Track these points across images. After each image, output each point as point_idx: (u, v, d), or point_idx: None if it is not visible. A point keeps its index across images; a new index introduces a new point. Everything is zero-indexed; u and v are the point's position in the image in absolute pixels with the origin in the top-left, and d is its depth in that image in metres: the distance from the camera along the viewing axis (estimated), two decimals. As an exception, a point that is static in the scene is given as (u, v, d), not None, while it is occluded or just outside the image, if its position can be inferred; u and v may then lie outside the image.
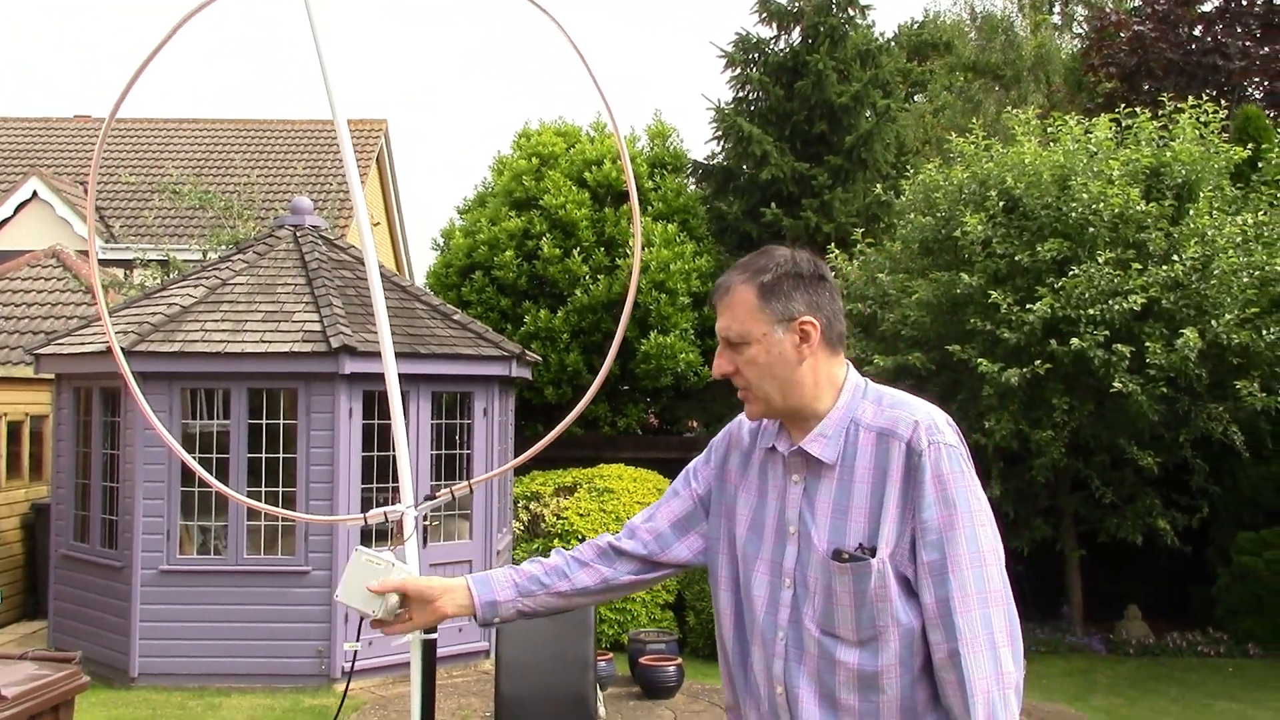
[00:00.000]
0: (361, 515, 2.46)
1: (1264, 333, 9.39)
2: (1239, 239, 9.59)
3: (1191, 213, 9.68)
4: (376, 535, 9.18)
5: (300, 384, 8.81)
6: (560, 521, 10.83)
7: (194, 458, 8.79)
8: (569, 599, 2.44)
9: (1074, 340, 9.11)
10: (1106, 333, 9.12)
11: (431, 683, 2.43)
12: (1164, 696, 9.09)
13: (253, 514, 8.86)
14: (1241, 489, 11.39)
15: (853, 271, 10.84)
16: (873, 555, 2.15)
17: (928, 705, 2.17)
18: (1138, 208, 9.53)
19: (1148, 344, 9.15)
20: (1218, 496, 10.95)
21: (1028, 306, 9.29)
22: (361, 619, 2.38)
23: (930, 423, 2.22)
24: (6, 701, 3.29)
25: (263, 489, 8.82)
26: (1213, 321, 9.25)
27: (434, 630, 2.44)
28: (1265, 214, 10.05)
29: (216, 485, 2.69)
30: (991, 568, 2.16)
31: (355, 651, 2.51)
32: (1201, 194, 9.96)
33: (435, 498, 2.47)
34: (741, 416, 2.45)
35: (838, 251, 11.45)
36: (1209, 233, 9.49)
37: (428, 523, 9.29)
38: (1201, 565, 11.76)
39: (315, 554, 8.76)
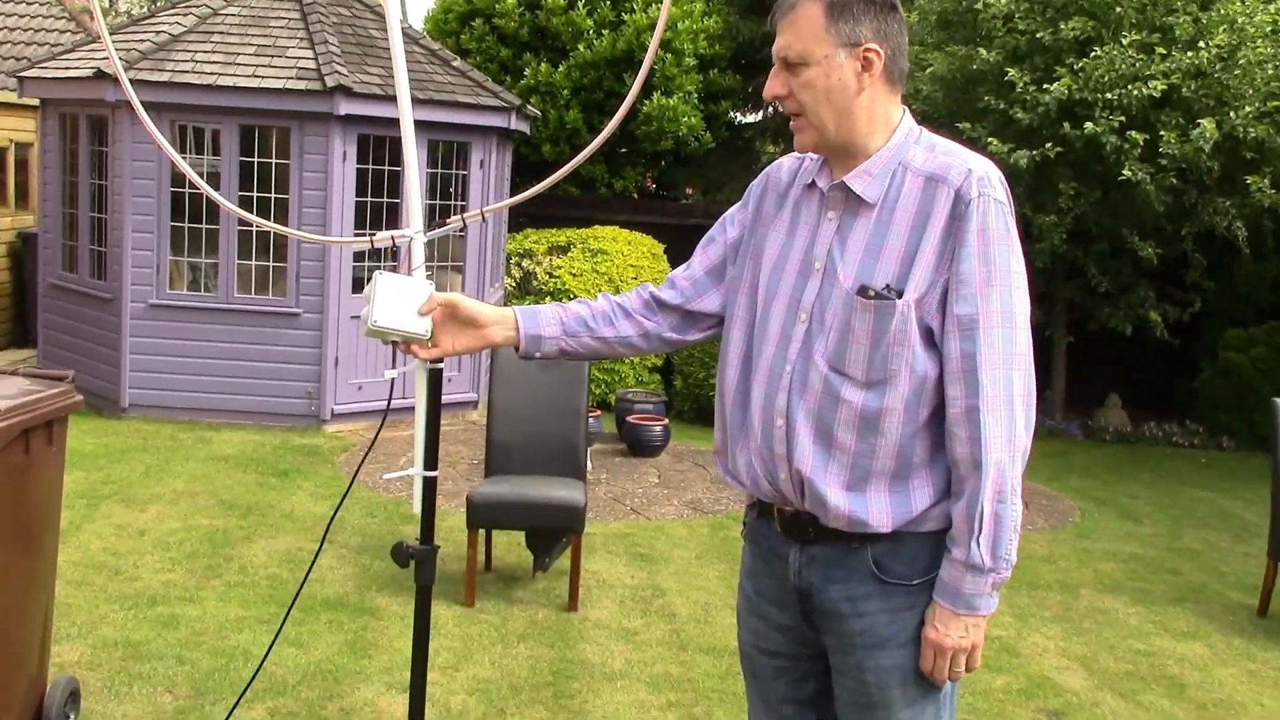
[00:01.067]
0: (369, 235, 2.36)
1: (1283, 128, 9.18)
2: (1269, 29, 9.25)
3: (1223, -2, 9.32)
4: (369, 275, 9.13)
5: (293, 123, 8.57)
6: (552, 280, 10.77)
7: (184, 194, 8.63)
8: (611, 346, 2.40)
9: (1088, 124, 8.89)
10: (1122, 118, 8.90)
11: (437, 412, 2.38)
12: (1137, 481, 9.28)
13: (243, 253, 8.75)
14: (1237, 286, 11.39)
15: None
16: (899, 297, 2.08)
17: (924, 459, 2.14)
18: (1168, -11, 9.16)
19: (1162, 133, 8.94)
20: (1211, 292, 10.95)
21: (1044, 86, 9.02)
22: (394, 345, 2.30)
23: (984, 174, 2.12)
24: (-1, 413, 3.25)
25: (254, 230, 8.69)
26: (1231, 113, 9.02)
27: (441, 361, 2.37)
28: (1299, 4, 9.68)
29: (209, 192, 2.57)
30: (1020, 331, 2.10)
31: (393, 381, 2.43)
32: (1235, -21, 9.56)
33: (446, 224, 2.37)
34: (781, 159, 2.36)
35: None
36: (1239, 20, 9.15)
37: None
38: (1187, 359, 11.86)
39: (306, 296, 8.71)
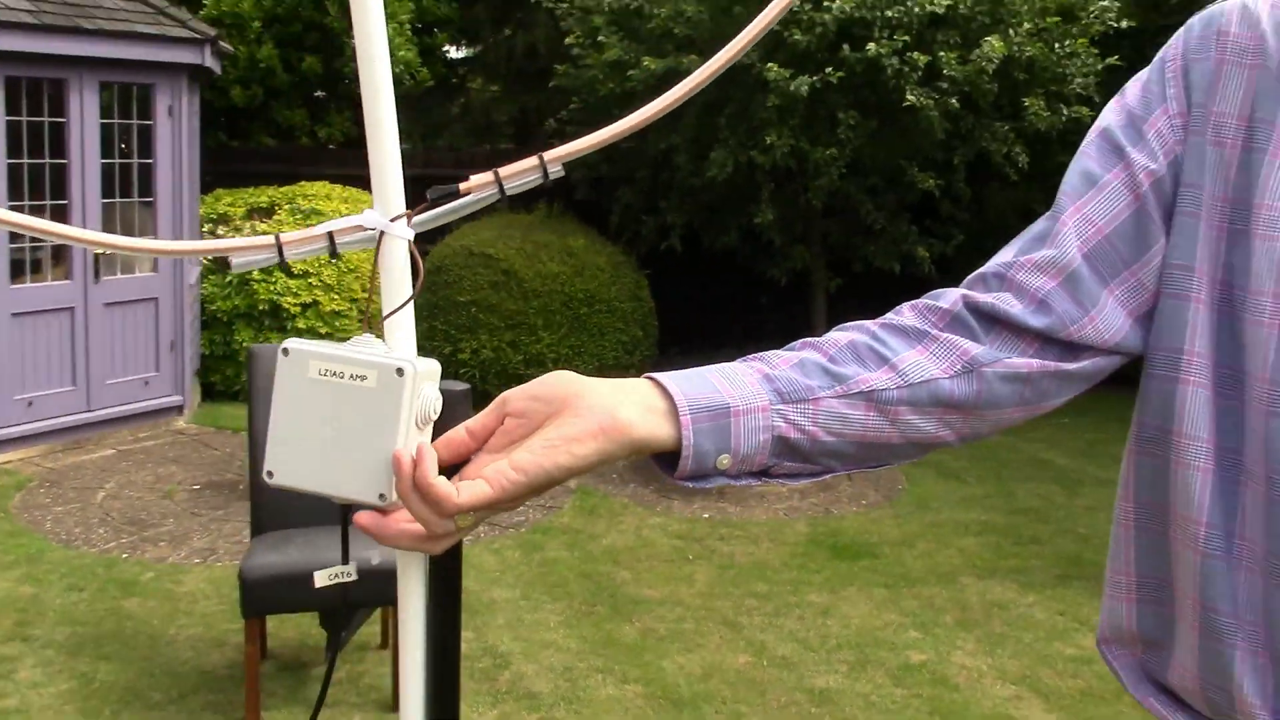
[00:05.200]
0: (258, 237, 0.95)
1: (1056, 46, 8.69)
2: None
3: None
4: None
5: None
6: (260, 250, 9.03)
7: None
8: (885, 412, 1.00)
9: (870, 46, 8.05)
10: (906, 38, 8.11)
11: (455, 645, 1.03)
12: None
13: None
14: (989, 216, 11.03)
15: (614, -41, 9.19)
16: None
17: None
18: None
19: (941, 54, 8.24)
20: (966, 224, 10.49)
21: (824, 4, 8.09)
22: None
23: None
24: None
25: None
26: (1010, 31, 8.43)
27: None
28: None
29: None
30: None
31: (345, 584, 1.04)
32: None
33: (458, 190, 0.98)
34: (1238, 1, 1.04)
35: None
36: (1011, -70, 8.54)
37: (102, 251, 7.32)
38: (940, 294, 11.41)
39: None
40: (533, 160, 0.95)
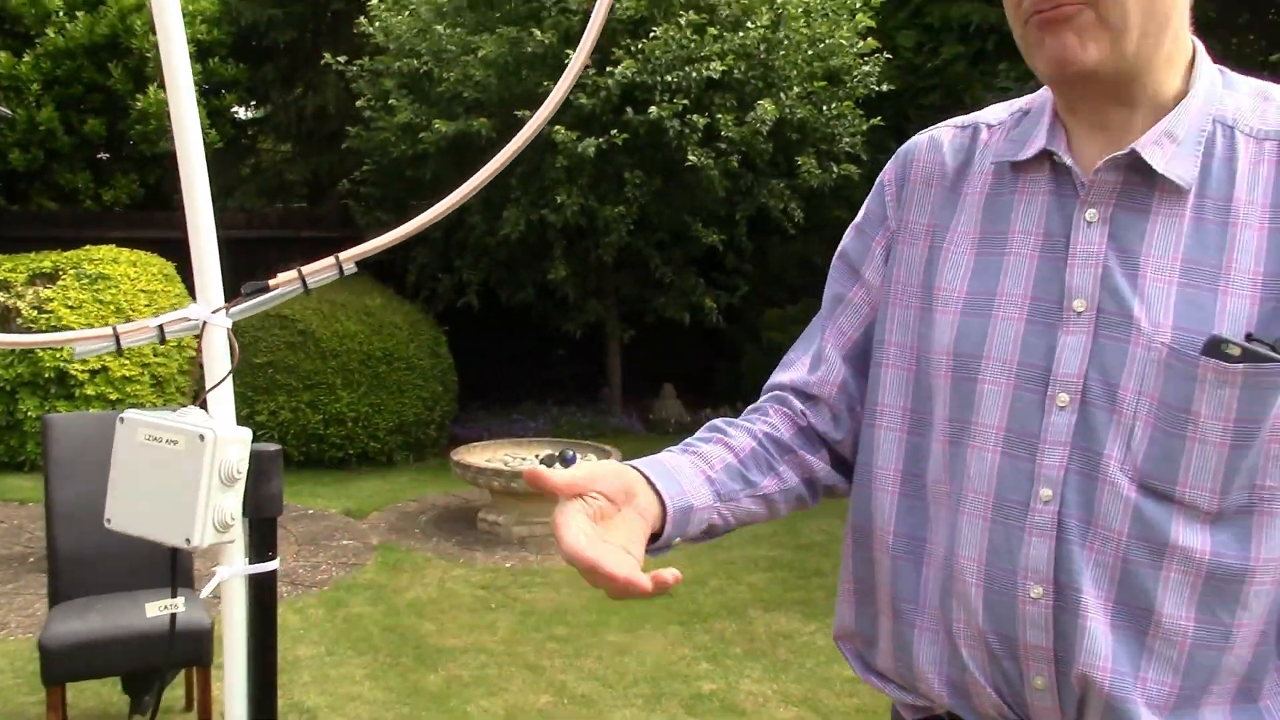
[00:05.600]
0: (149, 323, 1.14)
1: (824, 108, 9.30)
2: (802, 10, 9.30)
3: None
4: None
5: None
6: (45, 316, 8.82)
7: None
8: (773, 507, 1.42)
9: (652, 109, 8.48)
10: (686, 101, 8.57)
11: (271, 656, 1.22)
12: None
13: None
14: (771, 268, 11.61)
15: (401, 23, 9.38)
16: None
17: None
18: (711, -33, 8.94)
19: (719, 116, 8.74)
20: (750, 275, 11.04)
21: (607, 70, 8.48)
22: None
23: None
24: None
25: None
26: (781, 94, 9.00)
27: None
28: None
29: None
30: None
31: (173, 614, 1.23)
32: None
33: (266, 286, 1.19)
34: (926, 133, 1.42)
35: (377, -1, 9.91)
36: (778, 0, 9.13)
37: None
38: (727, 344, 11.97)
39: None
40: (330, 260, 1.18)
